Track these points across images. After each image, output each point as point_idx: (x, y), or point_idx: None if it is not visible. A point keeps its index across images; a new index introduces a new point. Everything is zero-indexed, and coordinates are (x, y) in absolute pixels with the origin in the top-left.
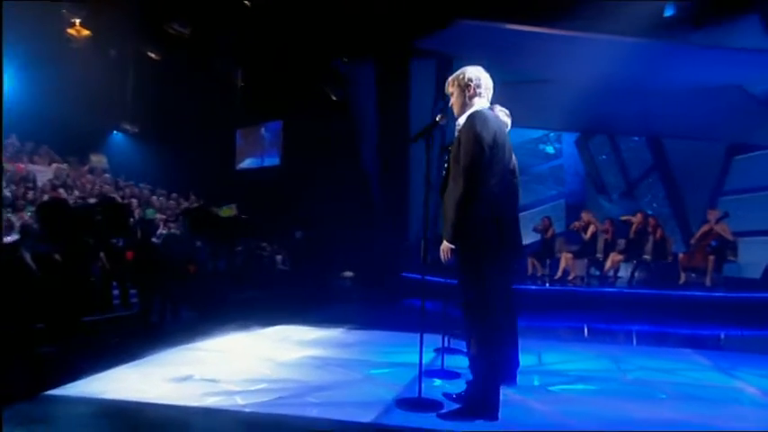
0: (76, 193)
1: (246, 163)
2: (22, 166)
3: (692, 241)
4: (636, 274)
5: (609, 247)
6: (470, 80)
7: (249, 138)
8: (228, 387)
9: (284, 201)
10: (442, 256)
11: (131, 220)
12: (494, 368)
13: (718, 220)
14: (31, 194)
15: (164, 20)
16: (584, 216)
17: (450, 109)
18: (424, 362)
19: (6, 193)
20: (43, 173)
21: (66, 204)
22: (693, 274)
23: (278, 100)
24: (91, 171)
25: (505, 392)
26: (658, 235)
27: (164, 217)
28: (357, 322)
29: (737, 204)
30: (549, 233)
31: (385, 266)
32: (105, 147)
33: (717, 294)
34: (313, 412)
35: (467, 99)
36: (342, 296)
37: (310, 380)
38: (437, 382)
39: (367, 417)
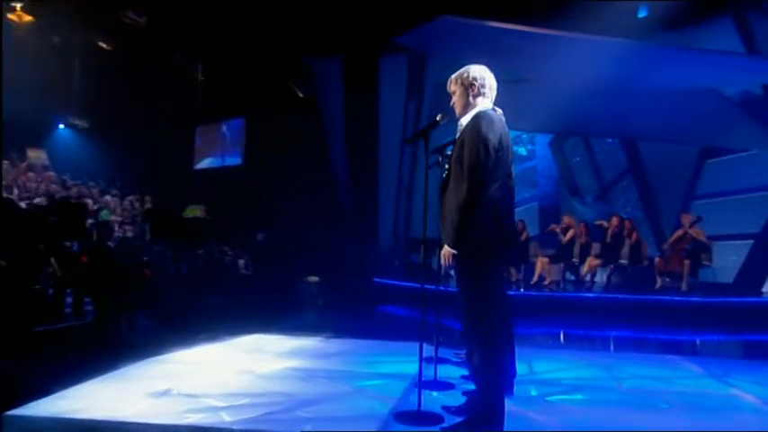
0: (16, 192)
1: (206, 162)
2: None
3: (666, 246)
4: (612, 279)
5: (585, 252)
6: (475, 79)
7: (209, 136)
8: (211, 402)
9: (247, 202)
10: (442, 261)
11: (87, 222)
12: (498, 377)
13: (692, 224)
14: None
15: (117, 7)
16: (566, 219)
17: (451, 108)
18: (411, 372)
19: None
20: None
21: (14, 205)
22: (668, 279)
23: (240, 96)
24: (30, 168)
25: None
26: (634, 238)
27: (119, 219)
28: (333, 330)
29: (709, 208)
30: (524, 237)
31: (353, 271)
32: (49, 142)
33: (703, 300)
34: (306, 428)
35: (470, 99)
36: (310, 302)
37: (297, 393)
38: (434, 393)
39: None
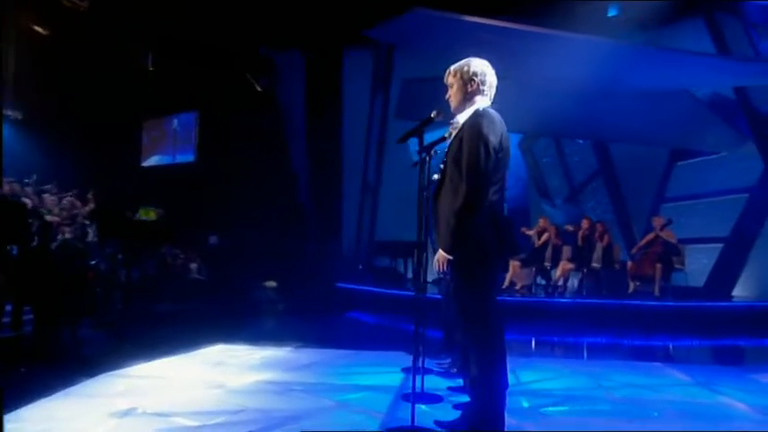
0: None
1: (154, 159)
2: None
3: (634, 250)
4: (584, 283)
5: (556, 255)
6: (475, 74)
7: (158, 130)
8: (182, 422)
9: (199, 202)
10: (435, 267)
11: (29, 223)
12: (498, 386)
13: (663, 227)
14: None
15: None
16: (541, 222)
17: (446, 102)
18: (394, 384)
19: None
20: None
21: None
22: (639, 283)
23: (193, 88)
24: None
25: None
26: (605, 241)
27: (56, 219)
28: (299, 339)
29: (679, 211)
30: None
31: (314, 275)
32: None
33: (683, 304)
34: None
35: (468, 94)
36: (270, 309)
37: (274, 409)
38: (422, 407)
39: None
